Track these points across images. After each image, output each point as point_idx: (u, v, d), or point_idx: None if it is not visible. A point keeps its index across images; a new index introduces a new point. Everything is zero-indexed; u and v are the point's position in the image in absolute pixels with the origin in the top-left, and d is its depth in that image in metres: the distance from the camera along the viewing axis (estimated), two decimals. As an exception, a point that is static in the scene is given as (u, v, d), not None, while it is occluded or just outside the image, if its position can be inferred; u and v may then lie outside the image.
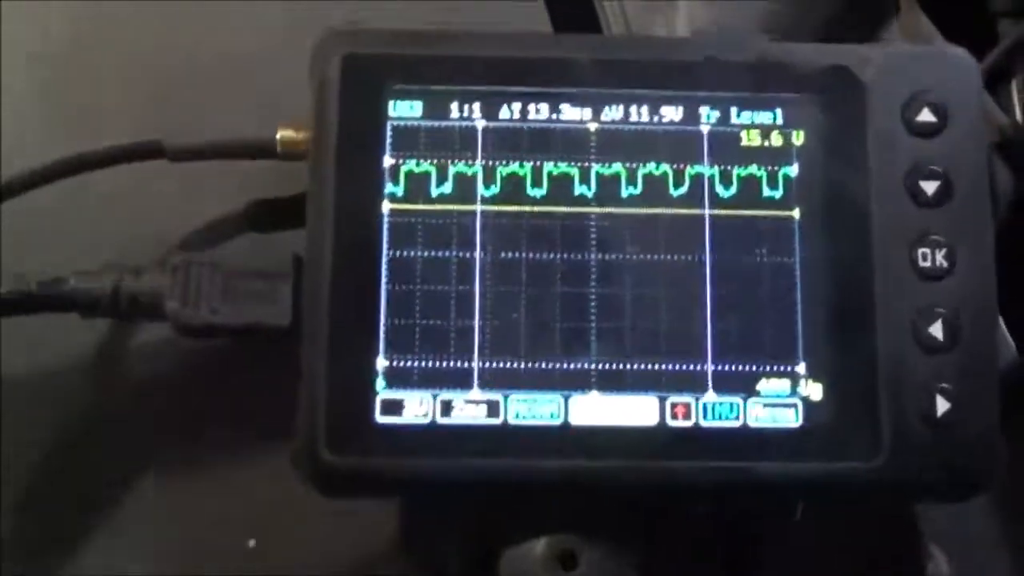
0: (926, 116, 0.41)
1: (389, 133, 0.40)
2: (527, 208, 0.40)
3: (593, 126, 0.41)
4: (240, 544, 0.43)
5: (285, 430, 0.37)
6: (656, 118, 0.41)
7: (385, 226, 0.40)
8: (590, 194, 0.40)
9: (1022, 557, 0.46)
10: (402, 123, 0.40)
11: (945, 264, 0.40)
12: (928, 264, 0.40)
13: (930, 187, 0.40)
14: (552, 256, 0.40)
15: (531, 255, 0.40)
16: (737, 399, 0.39)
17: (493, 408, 0.39)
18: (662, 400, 0.39)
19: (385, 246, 0.40)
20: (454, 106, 0.41)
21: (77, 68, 0.48)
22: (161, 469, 0.44)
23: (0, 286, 0.40)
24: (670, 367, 0.40)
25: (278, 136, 0.42)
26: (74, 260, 0.42)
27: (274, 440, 0.39)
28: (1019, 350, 0.42)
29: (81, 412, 0.44)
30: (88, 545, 0.43)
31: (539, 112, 0.41)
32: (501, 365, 0.39)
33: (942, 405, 0.39)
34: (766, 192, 0.41)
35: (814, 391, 0.39)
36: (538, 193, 0.40)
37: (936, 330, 0.39)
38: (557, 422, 0.39)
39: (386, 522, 0.43)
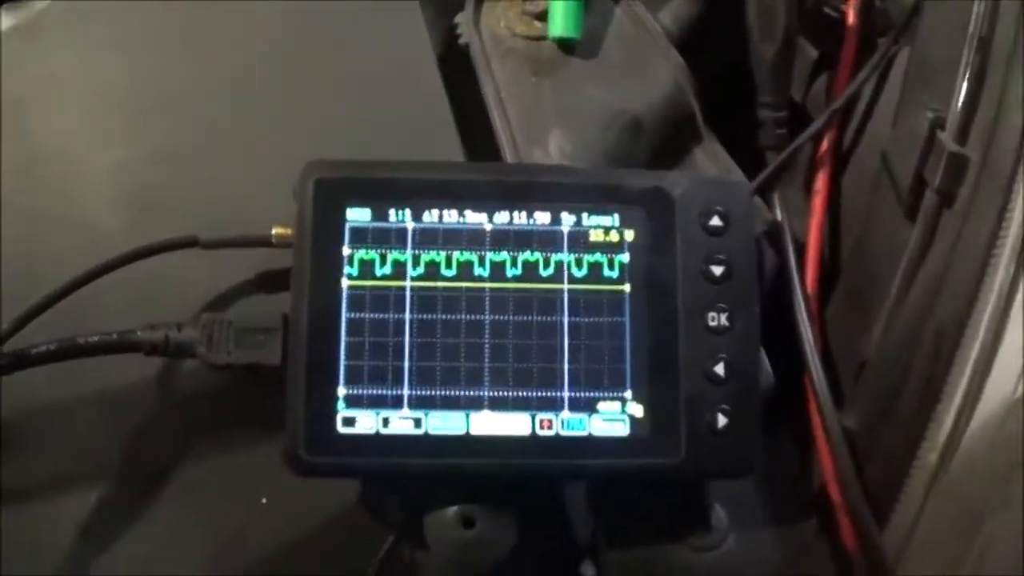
0: (716, 221, 0.54)
1: (347, 232, 0.53)
2: (442, 284, 0.53)
3: (488, 226, 0.54)
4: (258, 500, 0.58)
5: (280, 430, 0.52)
6: (531, 220, 0.54)
7: (344, 296, 0.52)
8: (486, 274, 0.53)
9: (772, 512, 0.60)
10: (355, 225, 0.53)
11: (727, 324, 0.54)
12: (715, 324, 0.54)
13: (718, 271, 0.54)
14: (459, 318, 0.53)
15: (444, 317, 0.53)
16: (584, 416, 0.52)
17: (418, 422, 0.52)
18: (533, 417, 0.52)
19: (344, 310, 0.52)
20: (392, 212, 0.53)
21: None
22: (201, 454, 0.59)
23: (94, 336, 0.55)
24: (539, 394, 0.53)
25: (273, 232, 0.57)
26: (142, 317, 0.57)
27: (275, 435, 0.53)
28: (776, 376, 0.57)
29: (143, 415, 0.59)
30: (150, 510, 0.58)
31: (450, 216, 0.54)
32: (423, 393, 0.52)
33: (722, 420, 0.53)
34: (606, 273, 0.54)
35: (637, 411, 0.53)
36: (450, 273, 0.53)
37: (719, 369, 0.53)
38: (462, 432, 0.52)
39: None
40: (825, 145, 0.63)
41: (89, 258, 0.57)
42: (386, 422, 0.52)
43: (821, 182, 0.63)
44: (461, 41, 0.67)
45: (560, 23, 0.65)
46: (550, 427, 0.53)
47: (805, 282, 0.60)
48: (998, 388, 0.51)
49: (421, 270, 0.54)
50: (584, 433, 0.53)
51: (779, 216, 0.62)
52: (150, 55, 0.65)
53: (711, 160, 0.65)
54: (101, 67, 0.65)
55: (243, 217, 0.59)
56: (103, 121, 0.64)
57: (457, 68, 0.66)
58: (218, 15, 0.66)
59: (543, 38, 0.66)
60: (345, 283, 0.53)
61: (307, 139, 0.63)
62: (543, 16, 0.66)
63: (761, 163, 0.64)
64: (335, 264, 0.53)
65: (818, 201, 0.62)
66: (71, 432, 0.58)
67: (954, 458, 0.52)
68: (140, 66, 0.65)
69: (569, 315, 0.54)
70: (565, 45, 0.66)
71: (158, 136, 0.63)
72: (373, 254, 0.53)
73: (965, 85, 0.54)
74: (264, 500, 0.58)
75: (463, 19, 0.67)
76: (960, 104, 0.54)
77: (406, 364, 0.53)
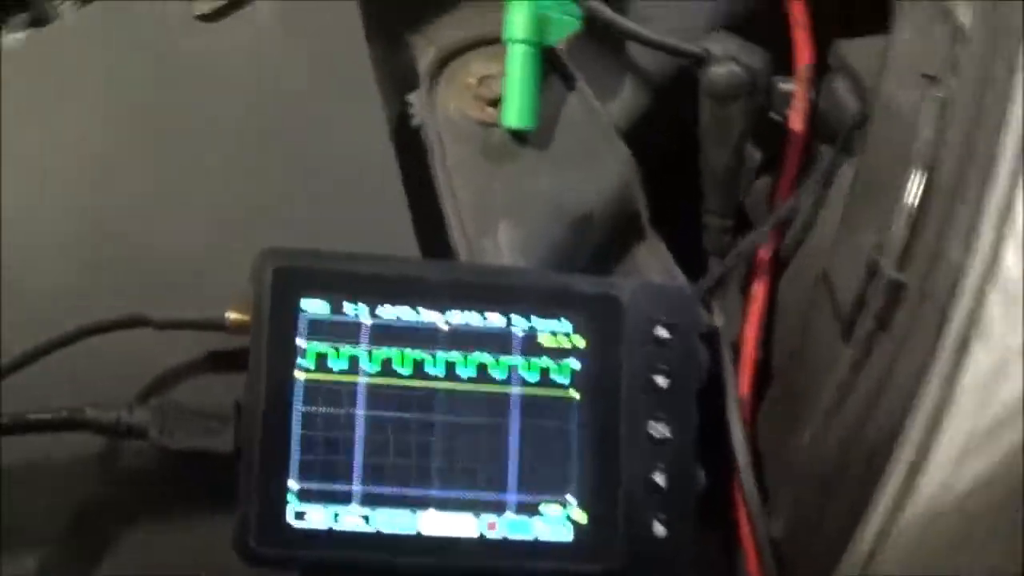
0: (661, 332, 0.56)
1: (302, 323, 0.53)
2: (395, 381, 0.54)
3: (443, 326, 0.55)
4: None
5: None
6: (484, 322, 0.55)
7: (298, 388, 0.53)
8: (440, 373, 0.54)
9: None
10: (311, 316, 0.53)
11: (668, 434, 0.56)
12: (656, 435, 0.56)
13: (661, 381, 0.56)
14: (410, 416, 0.54)
15: (397, 415, 0.53)
16: (528, 519, 0.54)
17: (367, 519, 0.53)
18: (481, 518, 0.53)
19: (298, 402, 0.53)
20: (347, 306, 0.53)
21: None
22: (143, 534, 0.58)
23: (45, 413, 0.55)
24: (486, 496, 0.54)
25: (228, 317, 0.56)
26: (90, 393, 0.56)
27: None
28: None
29: (87, 493, 0.58)
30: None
31: (405, 313, 0.54)
32: (374, 490, 0.53)
33: (659, 529, 0.55)
34: (556, 378, 0.55)
35: (581, 517, 0.54)
36: (404, 371, 0.54)
37: (658, 478, 0.55)
38: (411, 531, 0.53)
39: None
40: (765, 253, 0.65)
41: (41, 329, 0.57)
42: (336, 517, 0.53)
43: (759, 289, 0.64)
44: (414, 123, 0.67)
45: (514, 114, 0.65)
46: (496, 529, 0.54)
47: (739, 387, 0.61)
48: (919, 508, 0.52)
49: (376, 367, 0.54)
50: (530, 537, 0.54)
51: (717, 321, 0.64)
52: (105, 132, 0.65)
53: (654, 258, 0.67)
54: (54, 140, 0.64)
55: (193, 289, 0.59)
56: (55, 195, 0.63)
57: (410, 146, 0.66)
58: (173, 93, 0.66)
59: (496, 124, 0.66)
60: (300, 375, 0.53)
61: (258, 212, 0.63)
62: (496, 102, 0.66)
63: (698, 260, 0.66)
64: (290, 355, 0.53)
65: (755, 308, 0.64)
66: (13, 508, 0.57)
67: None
68: (94, 143, 0.64)
69: (519, 419, 0.55)
70: (518, 134, 0.66)
71: (110, 212, 0.63)
72: (328, 347, 0.53)
73: (907, 211, 0.55)
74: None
75: (416, 99, 0.67)
76: (902, 229, 0.55)
77: (357, 460, 0.53)
